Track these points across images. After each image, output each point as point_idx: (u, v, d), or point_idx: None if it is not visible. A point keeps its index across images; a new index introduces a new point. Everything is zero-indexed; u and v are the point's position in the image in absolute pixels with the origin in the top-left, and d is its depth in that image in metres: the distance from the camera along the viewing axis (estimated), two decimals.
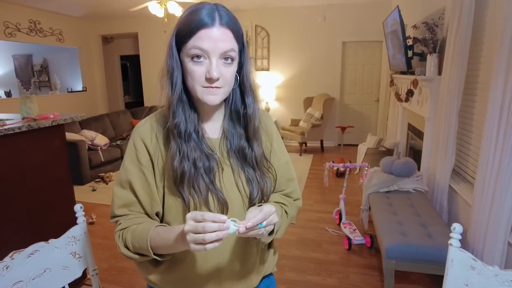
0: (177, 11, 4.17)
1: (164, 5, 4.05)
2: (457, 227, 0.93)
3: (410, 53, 3.30)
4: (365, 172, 2.84)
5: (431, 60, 2.81)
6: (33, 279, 1.01)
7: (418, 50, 3.30)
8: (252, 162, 0.84)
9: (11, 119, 1.90)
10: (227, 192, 0.82)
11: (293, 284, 2.19)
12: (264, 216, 0.69)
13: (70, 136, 4.20)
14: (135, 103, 8.87)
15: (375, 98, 5.95)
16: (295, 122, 5.98)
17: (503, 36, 1.62)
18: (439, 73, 2.74)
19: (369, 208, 2.68)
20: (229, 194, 0.82)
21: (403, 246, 1.81)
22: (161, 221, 0.85)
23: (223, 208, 0.81)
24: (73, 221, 1.13)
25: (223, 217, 0.63)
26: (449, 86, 2.37)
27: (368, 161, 3.90)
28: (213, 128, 0.87)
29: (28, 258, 1.01)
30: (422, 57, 3.24)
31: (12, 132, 1.62)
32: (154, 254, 0.75)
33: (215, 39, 0.72)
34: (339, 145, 5.84)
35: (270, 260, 0.99)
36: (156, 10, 4.07)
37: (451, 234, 0.95)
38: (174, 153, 0.79)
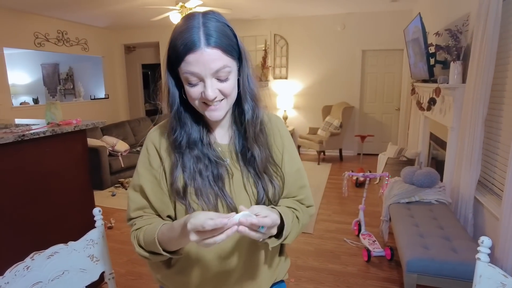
0: None
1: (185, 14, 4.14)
2: (485, 241, 0.88)
3: (432, 61, 3.22)
4: (386, 182, 2.77)
5: (455, 68, 2.73)
6: (52, 281, 1.02)
7: (441, 58, 3.22)
8: (254, 166, 0.84)
9: (37, 124, 1.97)
10: (236, 196, 0.83)
11: None
12: (272, 223, 0.68)
13: (91, 142, 4.31)
14: (155, 111, 9.06)
15: (395, 107, 5.83)
16: (313, 131, 5.93)
17: None
18: (463, 81, 2.65)
19: (390, 219, 2.60)
20: (238, 198, 0.82)
21: (426, 260, 1.74)
22: None
23: (233, 210, 0.81)
24: (92, 225, 1.15)
25: (224, 221, 0.61)
26: (475, 94, 2.29)
27: (389, 171, 3.81)
28: (222, 134, 0.87)
29: (48, 259, 1.02)
30: (445, 65, 3.16)
31: (37, 136, 1.67)
32: (166, 251, 0.75)
33: (203, 62, 0.69)
34: (359, 154, 5.73)
35: (280, 266, 0.96)
36: (177, 19, 4.17)
37: (479, 248, 0.90)
38: (174, 167, 0.80)
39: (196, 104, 0.77)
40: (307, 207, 0.92)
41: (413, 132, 4.55)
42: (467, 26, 2.72)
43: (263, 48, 6.13)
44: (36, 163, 1.75)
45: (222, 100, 0.76)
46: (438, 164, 3.52)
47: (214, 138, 0.86)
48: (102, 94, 7.22)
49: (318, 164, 5.46)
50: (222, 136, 0.87)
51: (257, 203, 0.83)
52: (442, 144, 3.29)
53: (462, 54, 2.71)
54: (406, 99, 5.36)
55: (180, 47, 0.70)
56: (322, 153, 5.72)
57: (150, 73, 9.28)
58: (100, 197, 4.01)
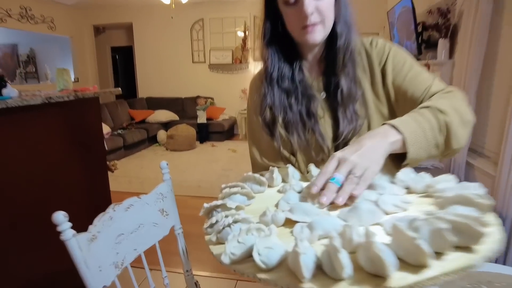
0: None
1: None
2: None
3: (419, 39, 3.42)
4: None
5: (443, 45, 2.93)
6: (131, 233, 1.01)
7: (425, 36, 3.43)
8: (339, 98, 0.81)
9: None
10: (326, 130, 0.83)
11: None
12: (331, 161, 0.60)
13: None
14: (124, 95, 8.67)
15: None
16: None
17: None
18: (450, 57, 2.86)
19: None
20: (328, 133, 0.83)
21: None
22: None
23: (324, 148, 0.81)
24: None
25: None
26: (468, 68, 2.48)
27: None
28: (315, 68, 0.87)
29: (126, 211, 1.01)
30: (428, 43, 3.37)
31: (61, 100, 1.58)
32: None
33: None
34: None
35: None
36: None
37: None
38: (264, 98, 0.82)
39: (295, 30, 0.76)
40: (445, 92, 0.76)
41: None
42: (455, 5, 2.93)
43: (243, 30, 6.10)
44: (59, 127, 1.65)
45: (319, 23, 0.74)
46: None
47: (307, 72, 0.86)
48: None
49: None
50: (315, 71, 0.87)
51: (335, 137, 0.82)
52: None
53: (450, 31, 2.92)
54: None
55: None
56: None
57: (118, 56, 8.85)
58: None
